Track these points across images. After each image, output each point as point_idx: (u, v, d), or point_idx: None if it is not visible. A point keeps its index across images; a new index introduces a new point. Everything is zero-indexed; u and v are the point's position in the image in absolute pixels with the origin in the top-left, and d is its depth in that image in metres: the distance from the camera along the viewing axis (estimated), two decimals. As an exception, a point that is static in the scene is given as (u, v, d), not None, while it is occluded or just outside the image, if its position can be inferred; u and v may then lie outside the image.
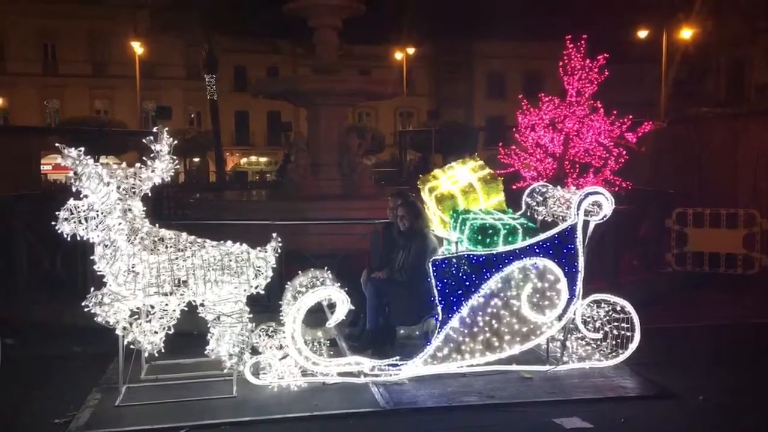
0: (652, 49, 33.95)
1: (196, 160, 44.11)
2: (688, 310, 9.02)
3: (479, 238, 6.09)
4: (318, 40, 12.87)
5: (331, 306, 5.85)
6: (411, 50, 39.00)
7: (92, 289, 5.43)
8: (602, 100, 12.01)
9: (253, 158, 48.46)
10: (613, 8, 36.47)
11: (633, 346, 6.20)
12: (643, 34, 35.99)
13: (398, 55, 39.18)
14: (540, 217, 6.53)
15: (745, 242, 10.62)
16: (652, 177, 14.47)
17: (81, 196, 5.30)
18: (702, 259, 10.86)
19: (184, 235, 5.55)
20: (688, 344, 7.41)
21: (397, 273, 6.64)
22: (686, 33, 32.02)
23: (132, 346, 5.51)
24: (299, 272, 6.01)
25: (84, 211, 5.25)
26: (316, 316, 5.95)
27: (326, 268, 6.05)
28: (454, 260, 5.92)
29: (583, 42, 11.70)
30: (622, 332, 6.23)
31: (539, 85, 36.77)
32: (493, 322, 5.89)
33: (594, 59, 11.73)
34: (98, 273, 5.40)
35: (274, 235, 5.73)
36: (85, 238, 5.31)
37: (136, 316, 5.51)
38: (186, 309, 5.60)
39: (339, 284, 5.83)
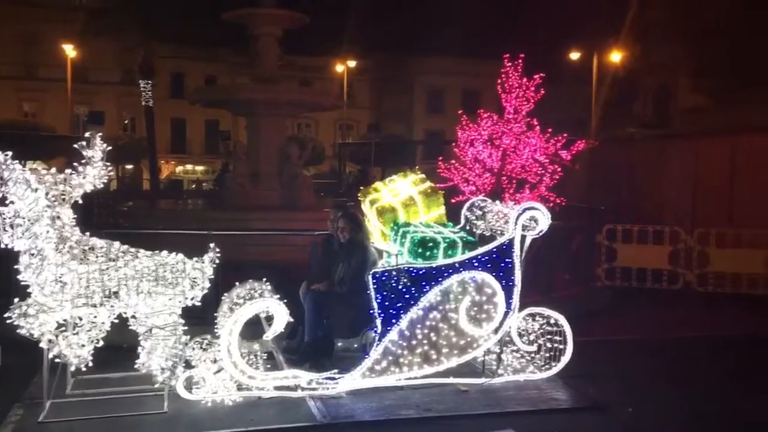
0: (585, 71, 35.20)
1: (130, 167, 42.96)
2: (617, 324, 9.29)
3: (419, 251, 6.11)
4: (259, 49, 12.77)
5: (269, 318, 5.76)
6: (352, 63, 39.18)
7: (16, 299, 5.18)
8: (538, 118, 12.32)
9: (190, 167, 47.54)
10: (549, 30, 37.62)
11: (565, 358, 6.34)
12: (576, 56, 37.25)
13: (339, 68, 39.28)
14: (479, 231, 6.62)
15: (671, 258, 11.06)
16: (585, 194, 14.92)
17: (7, 202, 5.06)
18: (630, 274, 11.24)
19: (116, 244, 5.37)
20: (618, 357, 7.62)
21: (337, 285, 6.60)
22: (616, 56, 33.35)
23: (57, 360, 5.28)
24: (237, 283, 5.89)
25: (10, 217, 5.02)
26: (253, 328, 5.85)
27: (265, 279, 5.95)
28: (394, 273, 5.93)
29: (520, 61, 12.00)
30: (556, 345, 6.36)
31: (477, 101, 37.52)
32: (432, 335, 5.92)
33: (530, 78, 12.03)
34: (23, 283, 5.16)
35: (212, 245, 5.62)
36: (9, 247, 5.07)
37: (63, 328, 5.28)
38: (116, 321, 5.41)
39: (278, 296, 5.75)
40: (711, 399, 6.22)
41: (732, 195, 11.85)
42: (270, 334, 5.70)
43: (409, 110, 48.91)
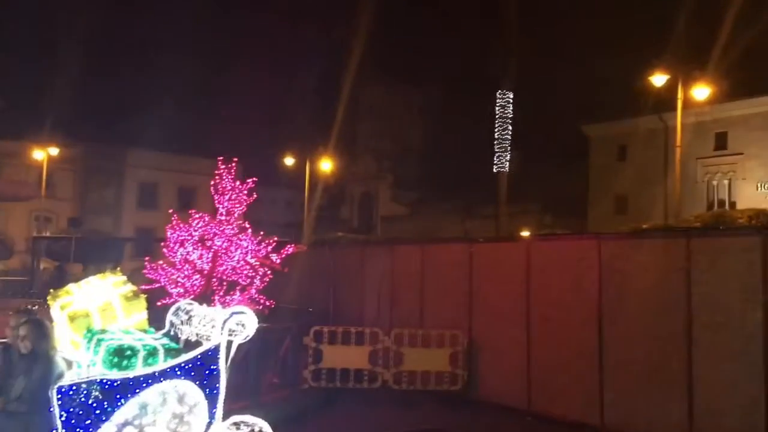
0: (300, 176, 37.13)
1: None
2: (322, 426, 9.51)
3: (115, 360, 5.66)
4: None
5: None
6: (54, 151, 36.23)
7: None
8: (251, 221, 12.52)
9: None
10: (267, 136, 39.33)
11: (270, 467, 6.24)
12: (291, 161, 39.26)
13: (38, 154, 35.99)
14: (184, 337, 6.36)
15: (371, 358, 11.77)
16: (296, 295, 15.35)
17: None
18: (335, 375, 11.67)
19: None
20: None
21: (14, 403, 5.78)
22: (326, 165, 35.92)
23: None
24: None
25: None
26: None
27: None
28: (84, 386, 5.37)
29: (234, 164, 12.22)
30: (260, 453, 6.24)
31: (193, 199, 37.14)
32: (125, 453, 5.42)
33: (244, 181, 12.27)
34: None
35: None
36: None
37: None
38: None
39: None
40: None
41: (422, 298, 13.13)
42: None
43: (119, 204, 46.32)
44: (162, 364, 5.79)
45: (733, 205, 32.38)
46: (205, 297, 11.24)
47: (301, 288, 15.57)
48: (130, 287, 6.57)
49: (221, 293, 11.87)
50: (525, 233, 22.02)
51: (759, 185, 32.60)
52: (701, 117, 30.52)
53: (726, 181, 34.25)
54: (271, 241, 12.39)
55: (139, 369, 5.67)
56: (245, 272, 12.00)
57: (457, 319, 12.22)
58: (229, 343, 6.12)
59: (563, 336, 10.69)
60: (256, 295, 11.98)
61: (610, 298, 10.13)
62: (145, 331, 6.37)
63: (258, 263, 12.11)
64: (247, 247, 12.05)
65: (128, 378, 5.56)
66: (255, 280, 12.01)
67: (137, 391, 5.55)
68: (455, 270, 12.62)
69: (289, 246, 12.69)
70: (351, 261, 15.40)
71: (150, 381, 5.63)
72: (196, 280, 11.93)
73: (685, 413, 8.98)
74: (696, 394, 8.95)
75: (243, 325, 6.13)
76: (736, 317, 8.71)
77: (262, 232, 12.49)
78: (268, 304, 12.03)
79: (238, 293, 11.91)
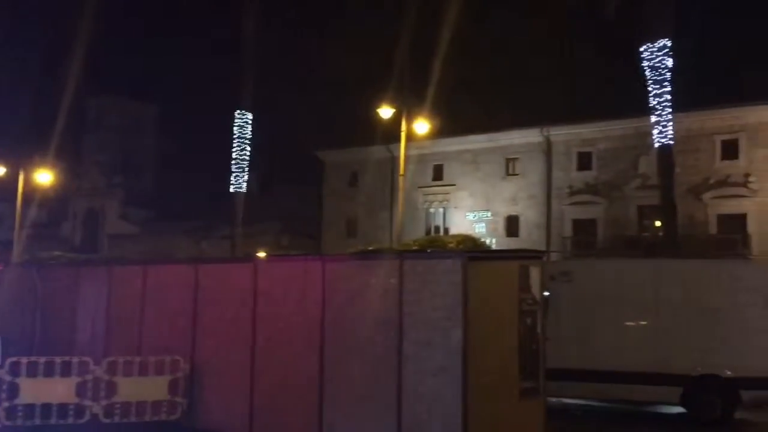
0: (14, 189, 33.06)
1: None
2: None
3: None
4: None
5: None
6: None
7: None
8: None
9: None
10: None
11: None
12: (1, 171, 34.75)
13: None
14: None
15: (78, 390, 10.71)
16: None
17: None
18: (34, 411, 10.40)
19: None
20: None
21: None
22: (44, 176, 32.39)
23: None
24: None
25: None
26: None
27: None
28: None
29: None
30: None
31: None
32: None
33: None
34: None
35: None
36: None
37: None
38: None
39: None
40: None
41: (143, 323, 12.31)
42: None
43: None
44: None
45: (446, 230, 36.05)
46: None
47: (2, 314, 13.75)
48: None
49: None
50: (261, 254, 21.99)
51: (467, 213, 36.78)
52: (422, 150, 33.55)
53: (442, 209, 38.03)
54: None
55: None
56: None
57: (179, 344, 11.66)
58: None
59: (287, 358, 10.74)
60: None
61: (332, 319, 10.41)
62: None
63: None
64: None
65: None
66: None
67: None
68: (179, 292, 12.08)
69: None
70: (63, 284, 14.00)
71: None
72: None
73: (394, 427, 9.51)
74: (404, 407, 9.54)
75: None
76: (441, 334, 9.49)
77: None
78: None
79: None
